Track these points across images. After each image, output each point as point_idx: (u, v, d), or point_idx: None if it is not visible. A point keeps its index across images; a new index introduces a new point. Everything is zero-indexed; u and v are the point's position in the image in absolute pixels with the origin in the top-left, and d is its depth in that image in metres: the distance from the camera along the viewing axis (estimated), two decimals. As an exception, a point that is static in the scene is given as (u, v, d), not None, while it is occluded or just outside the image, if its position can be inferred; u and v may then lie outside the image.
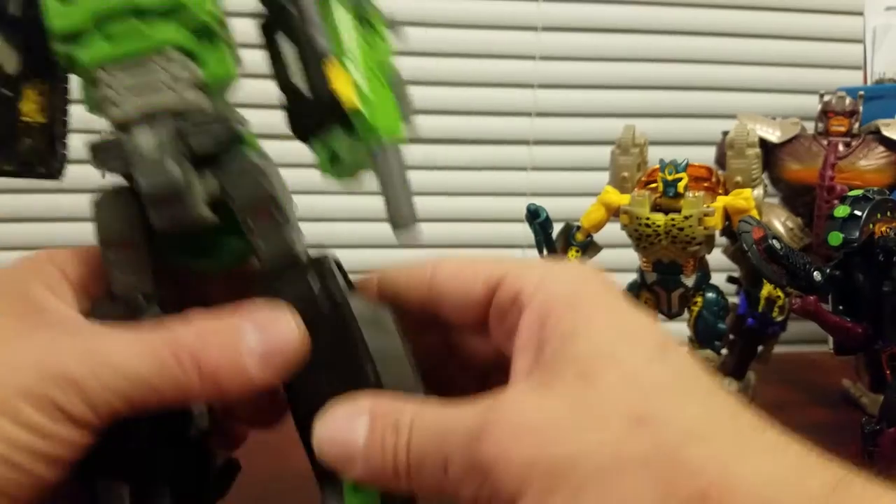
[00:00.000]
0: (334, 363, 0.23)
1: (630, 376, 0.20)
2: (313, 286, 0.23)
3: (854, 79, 0.77)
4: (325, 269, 0.24)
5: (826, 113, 0.64)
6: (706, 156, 0.64)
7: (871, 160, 0.62)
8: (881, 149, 0.62)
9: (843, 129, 0.63)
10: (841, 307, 0.46)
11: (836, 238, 0.45)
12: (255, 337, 0.22)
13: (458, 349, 0.28)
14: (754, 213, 0.51)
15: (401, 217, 0.24)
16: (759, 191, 0.53)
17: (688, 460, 0.19)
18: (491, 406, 0.21)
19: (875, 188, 0.47)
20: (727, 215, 0.52)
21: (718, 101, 0.87)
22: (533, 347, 0.22)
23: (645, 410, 0.19)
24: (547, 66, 0.85)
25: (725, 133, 0.62)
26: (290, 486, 0.42)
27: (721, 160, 0.60)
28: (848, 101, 0.64)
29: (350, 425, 0.22)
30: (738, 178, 0.53)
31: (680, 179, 0.50)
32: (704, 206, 0.51)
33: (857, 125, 0.64)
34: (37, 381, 0.21)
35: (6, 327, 0.22)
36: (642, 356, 0.21)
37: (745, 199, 0.51)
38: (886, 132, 0.62)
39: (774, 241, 0.44)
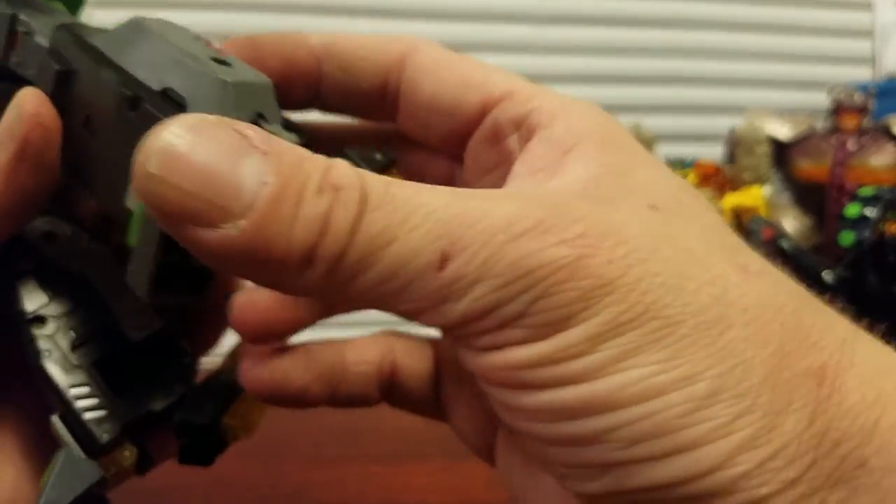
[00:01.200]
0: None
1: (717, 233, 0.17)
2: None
3: (862, 74, 0.77)
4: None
5: (836, 109, 0.63)
6: (714, 153, 0.63)
7: (883, 157, 0.61)
8: (892, 146, 0.61)
9: (853, 125, 0.62)
10: (852, 308, 0.45)
11: (846, 238, 0.44)
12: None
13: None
14: (763, 211, 0.50)
15: None
16: (768, 188, 0.52)
17: (809, 326, 0.15)
18: (543, 199, 0.16)
19: (886, 187, 0.46)
20: (736, 214, 0.51)
21: (726, 96, 0.86)
22: (545, 176, 0.18)
23: (745, 261, 0.16)
24: (550, 61, 0.84)
25: (733, 129, 0.61)
26: (286, 492, 0.42)
27: (730, 156, 0.60)
28: (858, 97, 0.63)
29: (234, 160, 0.13)
30: (747, 176, 0.52)
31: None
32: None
33: (867, 121, 0.63)
34: None
35: None
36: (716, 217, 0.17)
37: (753, 196, 0.51)
38: (897, 129, 0.61)
39: (784, 241, 0.43)
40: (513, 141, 0.20)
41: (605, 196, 0.16)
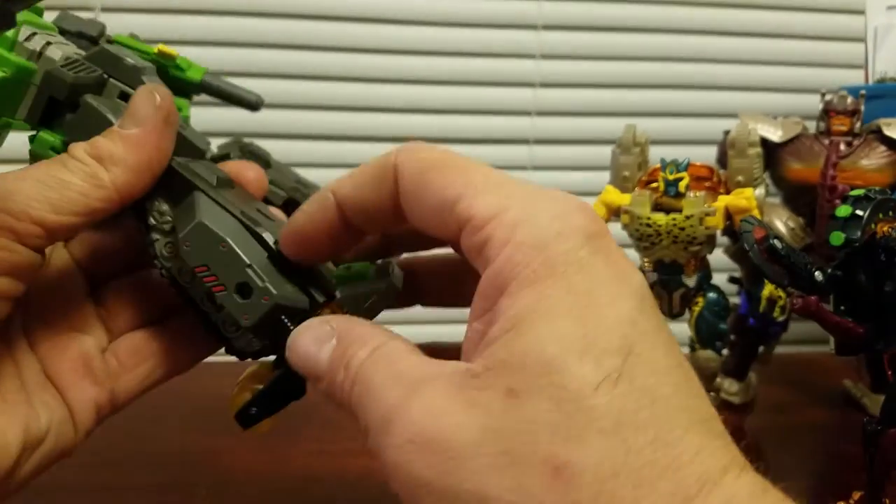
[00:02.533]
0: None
1: (566, 404, 0.18)
2: None
3: (855, 78, 0.77)
4: None
5: (827, 112, 0.64)
6: (707, 155, 0.63)
7: (873, 159, 0.62)
8: (883, 148, 0.62)
9: (844, 128, 0.63)
10: (842, 307, 0.46)
11: (837, 238, 0.44)
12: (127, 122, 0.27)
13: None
14: (756, 212, 0.51)
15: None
16: (760, 190, 0.53)
17: None
18: (407, 397, 0.20)
19: (877, 188, 0.47)
20: (728, 215, 0.52)
21: (720, 100, 0.87)
22: (483, 323, 0.21)
23: (566, 458, 0.18)
24: (547, 66, 0.85)
25: (727, 132, 0.61)
26: (290, 486, 0.42)
27: (722, 159, 0.60)
28: (850, 100, 0.63)
29: (318, 348, 0.23)
30: (740, 178, 0.52)
31: (681, 179, 0.50)
32: (706, 205, 0.50)
33: (858, 124, 0.63)
34: None
35: None
36: (590, 377, 0.18)
37: (746, 198, 0.51)
38: (888, 131, 0.62)
39: (776, 241, 0.44)
40: (482, 260, 0.21)
41: (473, 385, 0.19)
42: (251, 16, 0.80)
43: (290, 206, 0.32)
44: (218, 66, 0.79)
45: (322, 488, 0.43)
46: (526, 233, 0.20)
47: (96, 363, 0.29)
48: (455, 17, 0.83)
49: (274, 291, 0.25)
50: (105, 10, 0.78)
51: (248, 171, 0.32)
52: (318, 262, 0.27)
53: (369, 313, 0.28)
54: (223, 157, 0.40)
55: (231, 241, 0.26)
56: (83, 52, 0.29)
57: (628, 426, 0.18)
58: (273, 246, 0.26)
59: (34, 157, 0.28)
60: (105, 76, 0.29)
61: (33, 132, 0.29)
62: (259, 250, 0.26)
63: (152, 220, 0.27)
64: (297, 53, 0.81)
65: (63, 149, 0.27)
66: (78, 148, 0.26)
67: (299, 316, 0.26)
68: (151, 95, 0.27)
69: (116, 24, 0.78)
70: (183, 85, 0.42)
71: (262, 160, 0.34)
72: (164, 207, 0.27)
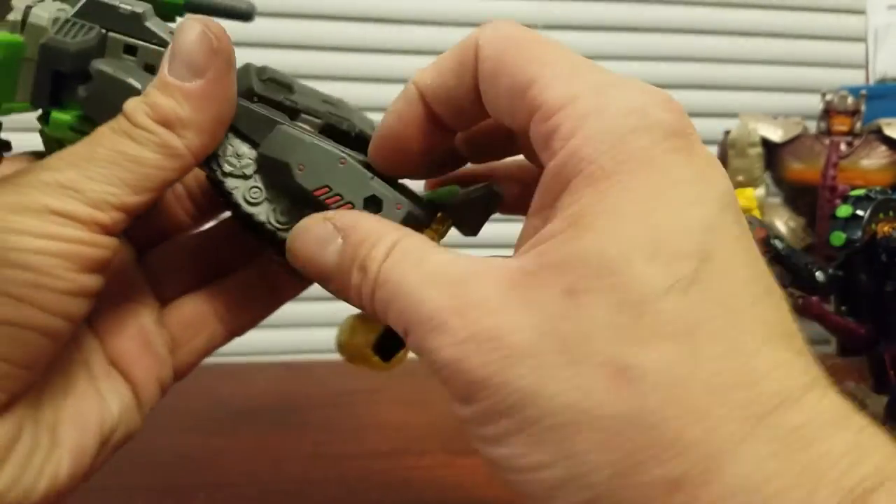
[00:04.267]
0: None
1: (630, 306, 0.17)
2: None
3: (856, 78, 0.77)
4: None
5: (828, 112, 0.64)
6: (708, 155, 0.63)
7: (874, 159, 0.62)
8: (883, 148, 0.62)
9: (845, 128, 0.63)
10: (844, 308, 0.46)
11: (838, 238, 0.44)
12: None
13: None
14: (756, 212, 0.51)
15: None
16: (761, 190, 0.53)
17: (672, 438, 0.16)
18: (456, 296, 0.19)
19: (878, 188, 0.47)
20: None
21: (720, 100, 0.87)
22: (541, 219, 0.19)
23: (630, 361, 0.16)
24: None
25: (727, 132, 0.61)
26: (289, 489, 0.42)
27: (722, 159, 0.60)
28: (850, 100, 0.63)
29: (322, 249, 0.22)
30: (741, 178, 0.52)
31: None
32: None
33: (859, 124, 0.63)
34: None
35: None
36: (658, 280, 0.17)
37: (747, 198, 0.51)
38: (888, 131, 0.62)
39: (777, 241, 0.44)
40: (549, 154, 0.20)
41: (527, 283, 0.18)
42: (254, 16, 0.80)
43: (327, 132, 0.31)
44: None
45: (320, 491, 0.43)
46: (596, 125, 0.19)
47: (154, 337, 0.27)
48: (455, 17, 0.83)
49: (403, 199, 0.24)
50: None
51: None
52: (410, 173, 0.25)
53: (474, 225, 0.26)
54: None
55: (348, 157, 0.24)
56: (67, 7, 0.25)
57: (700, 334, 0.17)
58: (367, 161, 0.24)
59: (50, 141, 0.25)
60: (103, 31, 0.25)
61: (37, 112, 0.26)
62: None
63: (228, 167, 0.25)
64: (297, 54, 0.81)
65: (82, 125, 0.24)
66: (139, 113, 0.22)
67: (418, 228, 0.24)
68: (205, 36, 0.23)
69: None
70: (166, 8, 0.37)
71: (286, 87, 0.32)
72: (244, 149, 0.25)
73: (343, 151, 0.24)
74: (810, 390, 0.17)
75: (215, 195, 0.27)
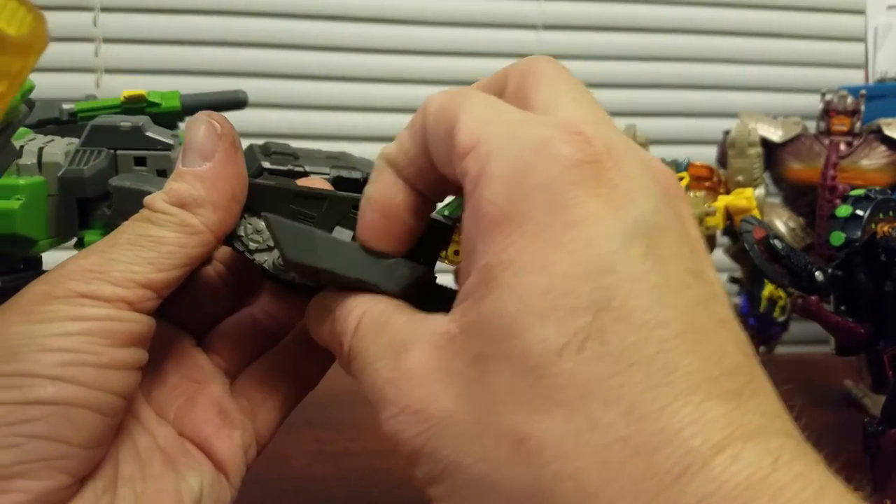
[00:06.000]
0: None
1: (528, 372, 0.16)
2: None
3: (856, 78, 0.77)
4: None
5: (828, 112, 0.64)
6: (707, 155, 0.63)
7: (873, 159, 0.62)
8: (883, 148, 0.62)
9: (844, 128, 0.63)
10: (843, 307, 0.46)
11: (837, 238, 0.44)
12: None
13: None
14: (756, 212, 0.51)
15: None
16: (760, 190, 0.53)
17: (574, 497, 0.15)
18: (394, 368, 0.20)
19: (877, 188, 0.47)
20: (728, 215, 0.52)
21: (720, 100, 0.87)
22: (466, 267, 0.19)
23: (528, 431, 0.16)
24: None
25: (727, 132, 0.62)
26: (291, 487, 0.42)
27: (722, 159, 0.60)
28: (850, 100, 0.63)
29: (320, 326, 0.24)
30: (740, 178, 0.53)
31: (681, 179, 0.50)
32: (706, 205, 0.50)
33: (858, 124, 0.63)
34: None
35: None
36: (552, 341, 0.16)
37: (746, 198, 0.51)
38: (888, 131, 0.62)
39: (776, 241, 0.44)
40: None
41: (450, 349, 0.19)
42: (253, 16, 0.80)
43: (337, 184, 0.33)
44: (217, 66, 0.80)
45: (322, 488, 0.43)
46: (497, 166, 0.18)
47: (229, 406, 0.27)
48: (455, 16, 0.83)
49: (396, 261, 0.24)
50: (105, 10, 0.78)
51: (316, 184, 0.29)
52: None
53: None
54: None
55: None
56: (74, 140, 0.28)
57: (596, 397, 0.16)
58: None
59: None
60: (112, 151, 0.28)
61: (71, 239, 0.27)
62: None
63: (253, 245, 0.26)
64: (299, 53, 0.81)
65: None
66: (157, 200, 0.24)
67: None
68: (210, 125, 0.25)
69: (116, 24, 0.78)
70: (166, 118, 0.40)
71: (291, 156, 0.34)
72: (261, 225, 0.26)
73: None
74: (722, 451, 0.15)
75: (252, 270, 0.28)
